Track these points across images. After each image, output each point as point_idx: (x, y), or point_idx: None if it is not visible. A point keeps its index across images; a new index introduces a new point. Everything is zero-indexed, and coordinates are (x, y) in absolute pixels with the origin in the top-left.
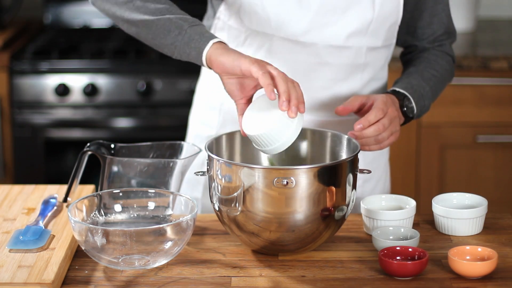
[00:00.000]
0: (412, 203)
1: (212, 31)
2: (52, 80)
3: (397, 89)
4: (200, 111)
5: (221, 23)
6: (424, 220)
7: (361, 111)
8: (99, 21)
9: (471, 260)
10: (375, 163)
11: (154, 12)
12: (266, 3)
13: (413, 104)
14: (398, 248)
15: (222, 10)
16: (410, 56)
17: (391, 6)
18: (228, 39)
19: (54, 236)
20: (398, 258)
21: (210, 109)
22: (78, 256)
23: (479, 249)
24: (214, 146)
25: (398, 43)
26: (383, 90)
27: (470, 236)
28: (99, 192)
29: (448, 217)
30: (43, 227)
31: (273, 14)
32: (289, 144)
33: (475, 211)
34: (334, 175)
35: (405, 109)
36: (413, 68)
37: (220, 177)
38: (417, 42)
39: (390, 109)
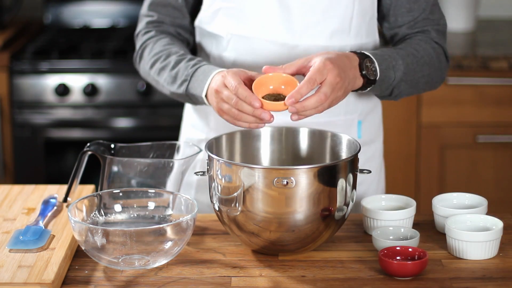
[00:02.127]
0: (412, 203)
1: (197, 39)
2: (52, 80)
3: (359, 51)
4: (190, 114)
5: (203, 31)
6: (424, 220)
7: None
8: (99, 21)
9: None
10: (366, 166)
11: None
12: (244, 6)
13: (376, 66)
14: (398, 248)
15: (201, 18)
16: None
17: (368, 0)
18: (211, 45)
19: (54, 236)
20: (398, 258)
21: (199, 112)
22: (78, 256)
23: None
24: (214, 146)
25: (385, 38)
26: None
27: None
28: (99, 192)
29: (448, 217)
30: (43, 227)
31: (253, 16)
32: None
33: (475, 212)
34: (334, 175)
35: (364, 72)
36: (392, 47)
37: (220, 177)
38: (397, 29)
39: (329, 75)
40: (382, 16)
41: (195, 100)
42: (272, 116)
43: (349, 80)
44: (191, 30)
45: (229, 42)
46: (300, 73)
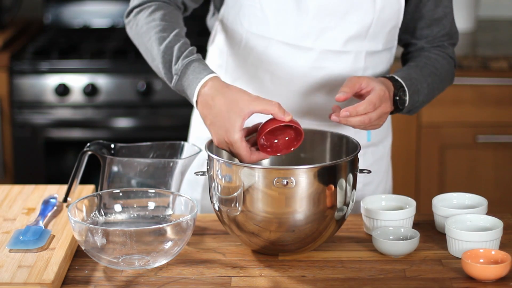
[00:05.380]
0: (412, 203)
1: (213, 34)
2: (52, 80)
3: (396, 77)
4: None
5: (222, 26)
6: (424, 220)
7: (357, 93)
8: (99, 21)
9: (484, 263)
10: (375, 167)
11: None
12: (265, 6)
13: (407, 97)
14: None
15: (223, 12)
16: (410, 55)
17: (392, 10)
18: (227, 41)
19: (54, 236)
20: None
21: None
22: (78, 256)
23: (493, 252)
24: (214, 146)
25: (398, 42)
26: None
27: None
28: (99, 192)
29: (448, 217)
30: (43, 227)
31: (272, 17)
32: None
33: (475, 211)
34: (334, 175)
35: (397, 98)
36: (413, 63)
37: (220, 177)
38: (416, 41)
39: (383, 104)
40: (402, 25)
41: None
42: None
43: (388, 110)
44: (187, 4)
45: (246, 40)
46: (355, 92)
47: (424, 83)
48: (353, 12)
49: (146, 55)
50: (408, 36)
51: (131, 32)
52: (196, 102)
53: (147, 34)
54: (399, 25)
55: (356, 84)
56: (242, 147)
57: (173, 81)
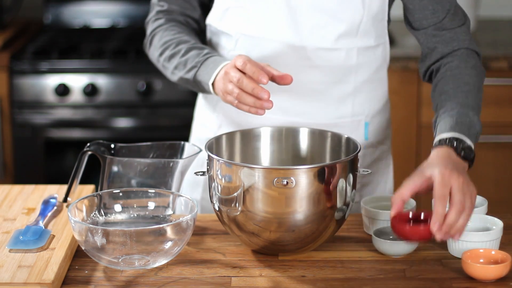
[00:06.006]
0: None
1: (208, 36)
2: (52, 80)
3: (444, 137)
4: (200, 113)
5: (212, 28)
6: None
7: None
8: (99, 21)
9: (484, 263)
10: (373, 167)
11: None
12: (252, 6)
13: (468, 142)
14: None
15: (211, 17)
16: (430, 70)
17: (378, 3)
18: (218, 43)
19: (54, 236)
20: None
21: (209, 110)
22: (78, 256)
23: (493, 252)
24: (214, 146)
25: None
26: (382, 92)
27: None
28: (99, 192)
29: None
30: (43, 227)
31: (260, 16)
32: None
33: (475, 211)
34: (334, 175)
35: (462, 153)
36: (444, 96)
37: (220, 177)
38: (424, 31)
39: (453, 181)
40: (407, 21)
41: (202, 88)
42: (271, 101)
43: (464, 172)
44: (200, 22)
45: (238, 41)
46: (420, 193)
47: (469, 111)
48: (344, 9)
49: (166, 72)
50: (415, 29)
51: (151, 57)
52: (213, 83)
53: (164, 53)
54: (386, 17)
55: (409, 189)
56: (250, 64)
57: (192, 71)
